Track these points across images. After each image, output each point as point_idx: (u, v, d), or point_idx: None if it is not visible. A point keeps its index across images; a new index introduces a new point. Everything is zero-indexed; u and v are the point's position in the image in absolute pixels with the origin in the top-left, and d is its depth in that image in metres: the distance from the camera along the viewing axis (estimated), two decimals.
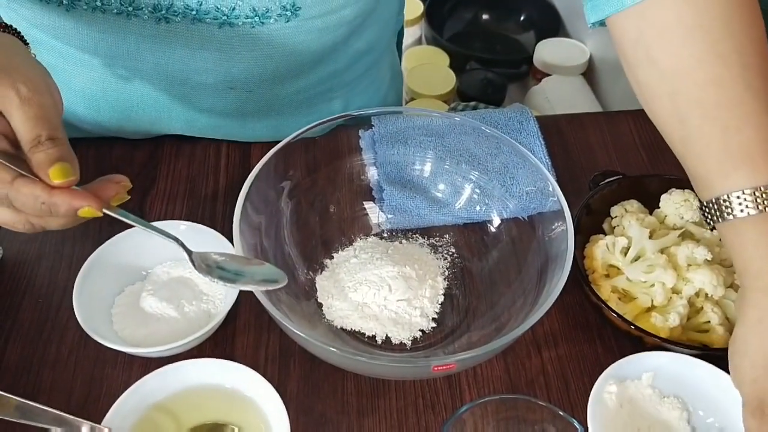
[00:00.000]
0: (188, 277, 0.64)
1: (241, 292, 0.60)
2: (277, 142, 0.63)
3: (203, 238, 0.62)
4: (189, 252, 0.52)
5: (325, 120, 0.65)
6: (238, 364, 0.53)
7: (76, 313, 0.58)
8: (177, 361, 0.54)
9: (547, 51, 1.70)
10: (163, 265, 0.65)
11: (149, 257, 0.65)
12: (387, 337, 0.62)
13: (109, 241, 0.63)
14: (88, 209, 0.46)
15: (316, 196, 0.68)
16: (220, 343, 0.62)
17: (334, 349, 0.51)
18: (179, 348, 0.58)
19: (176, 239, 0.52)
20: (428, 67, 1.71)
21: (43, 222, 0.47)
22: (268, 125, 0.78)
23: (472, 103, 1.64)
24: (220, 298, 0.62)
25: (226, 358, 0.55)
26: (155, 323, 0.60)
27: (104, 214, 0.47)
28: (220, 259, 0.53)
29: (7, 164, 0.45)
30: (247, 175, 0.60)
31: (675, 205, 0.65)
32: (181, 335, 0.58)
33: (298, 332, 0.51)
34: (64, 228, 0.48)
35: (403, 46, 1.81)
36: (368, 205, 0.71)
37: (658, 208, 0.67)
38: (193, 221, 0.71)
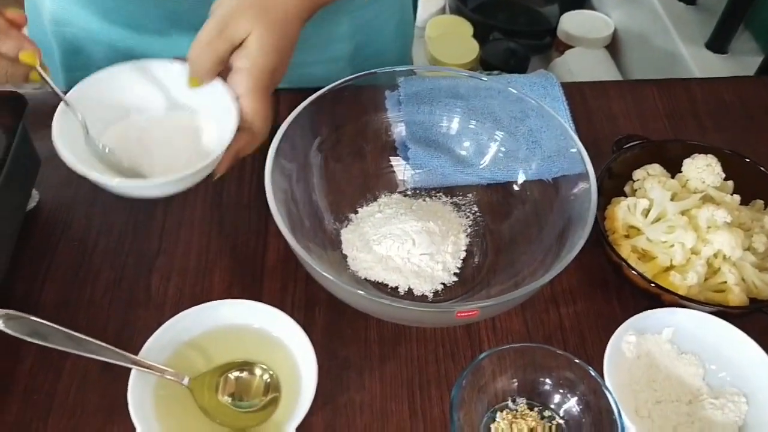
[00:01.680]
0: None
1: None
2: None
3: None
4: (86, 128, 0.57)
5: (351, 77, 0.66)
6: (267, 306, 0.55)
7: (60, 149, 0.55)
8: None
9: (571, 23, 1.69)
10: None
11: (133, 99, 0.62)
12: (409, 289, 0.64)
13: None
14: (29, 54, 0.53)
15: (343, 151, 0.70)
16: (248, 288, 0.64)
17: (361, 292, 0.53)
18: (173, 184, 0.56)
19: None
20: (451, 36, 1.71)
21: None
22: None
23: (496, 72, 1.64)
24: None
25: None
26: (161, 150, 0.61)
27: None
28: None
29: None
30: (276, 128, 0.62)
31: (697, 169, 0.66)
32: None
33: (326, 275, 0.53)
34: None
35: (426, 15, 1.81)
36: (394, 161, 0.72)
37: (680, 172, 0.68)
38: (221, 177, 0.73)
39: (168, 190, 0.57)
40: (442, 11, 1.86)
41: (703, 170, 0.66)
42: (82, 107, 0.57)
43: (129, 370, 0.52)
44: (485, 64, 1.69)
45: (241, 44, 0.56)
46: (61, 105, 0.57)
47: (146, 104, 0.62)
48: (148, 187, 0.58)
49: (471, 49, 1.68)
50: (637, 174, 0.68)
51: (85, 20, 0.77)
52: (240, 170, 0.73)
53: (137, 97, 0.61)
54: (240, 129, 0.57)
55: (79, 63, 0.81)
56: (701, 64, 1.39)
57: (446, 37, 1.70)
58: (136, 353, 0.53)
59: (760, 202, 0.68)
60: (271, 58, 0.56)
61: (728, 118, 0.83)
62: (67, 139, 0.55)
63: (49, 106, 0.81)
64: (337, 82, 0.65)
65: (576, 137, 0.64)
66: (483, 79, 0.71)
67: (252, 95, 0.56)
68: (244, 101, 0.56)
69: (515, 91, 0.68)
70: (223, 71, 0.58)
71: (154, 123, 0.61)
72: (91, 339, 0.52)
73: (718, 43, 1.42)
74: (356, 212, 0.69)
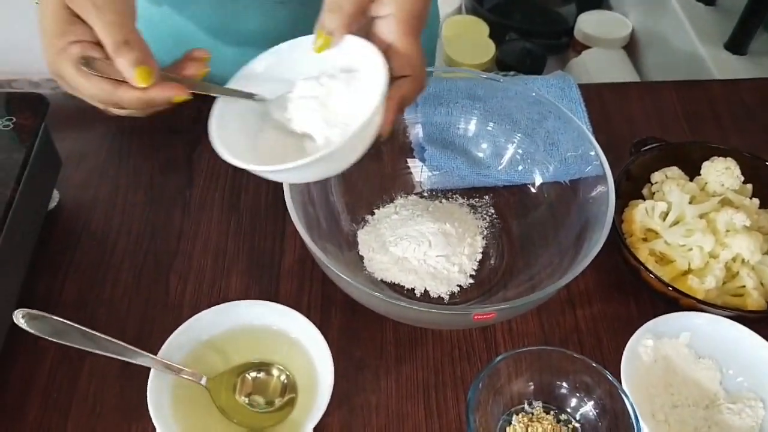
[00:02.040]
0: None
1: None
2: None
3: None
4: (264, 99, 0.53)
5: None
6: (285, 307, 0.56)
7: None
8: None
9: (589, 23, 1.68)
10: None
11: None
12: (425, 291, 0.64)
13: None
14: (178, 97, 0.50)
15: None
16: (265, 289, 0.65)
17: (379, 294, 0.53)
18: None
19: (257, 98, 0.53)
20: (467, 37, 1.71)
21: (150, 110, 0.52)
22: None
23: (512, 73, 1.64)
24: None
25: None
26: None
27: (193, 93, 0.50)
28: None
29: (108, 76, 0.49)
30: None
31: (716, 172, 0.66)
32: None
33: (343, 276, 0.53)
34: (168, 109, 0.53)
35: (442, 14, 1.81)
36: (411, 163, 0.72)
37: (699, 175, 0.68)
38: (239, 174, 0.74)
39: (337, 164, 0.51)
40: (458, 11, 1.86)
41: (722, 173, 0.65)
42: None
43: (147, 369, 0.52)
44: (501, 64, 1.69)
45: None
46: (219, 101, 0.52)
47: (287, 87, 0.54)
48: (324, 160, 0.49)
49: (487, 49, 1.67)
50: (656, 177, 0.68)
51: None
52: (257, 177, 0.74)
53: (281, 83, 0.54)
54: (397, 78, 0.51)
55: None
56: (720, 65, 1.38)
57: (462, 38, 1.69)
58: (155, 353, 0.53)
59: None
60: (416, 1, 0.52)
61: (748, 120, 0.83)
62: (226, 134, 0.51)
63: (70, 106, 0.82)
64: None
65: (594, 139, 0.63)
66: (500, 80, 0.71)
67: (406, 39, 0.52)
68: (399, 46, 0.52)
69: (533, 93, 0.67)
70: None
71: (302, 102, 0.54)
72: (110, 338, 0.52)
73: (737, 44, 1.41)
74: (373, 213, 0.70)
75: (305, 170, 0.50)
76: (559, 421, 0.55)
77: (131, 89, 0.49)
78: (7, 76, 2.06)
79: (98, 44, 0.49)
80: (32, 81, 2.07)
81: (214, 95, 0.52)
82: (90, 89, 0.49)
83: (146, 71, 0.48)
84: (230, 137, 0.51)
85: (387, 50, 0.52)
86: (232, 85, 0.54)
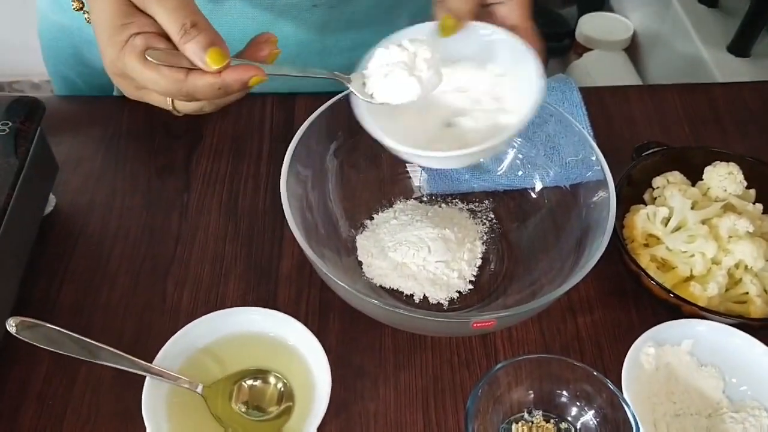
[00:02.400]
0: None
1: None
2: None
3: None
4: (349, 80, 0.52)
5: None
6: (282, 314, 0.55)
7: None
8: None
9: (590, 25, 1.67)
10: None
11: None
12: (425, 297, 0.63)
13: None
14: (255, 78, 0.48)
15: (359, 157, 0.69)
16: (263, 295, 0.64)
17: (376, 302, 0.53)
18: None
19: (335, 76, 0.52)
20: None
21: (221, 101, 0.50)
22: (345, 59, 0.79)
23: None
24: None
25: None
26: None
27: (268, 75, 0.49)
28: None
29: (176, 65, 0.46)
30: (291, 134, 0.61)
31: (719, 177, 0.65)
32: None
33: (341, 283, 0.53)
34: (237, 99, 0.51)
35: None
36: (410, 167, 0.72)
37: (701, 180, 0.67)
38: (237, 179, 0.73)
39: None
40: None
41: (724, 178, 0.65)
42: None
43: (143, 376, 0.52)
44: None
45: None
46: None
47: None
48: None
49: None
50: (657, 182, 0.67)
51: None
52: (255, 176, 0.73)
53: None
54: None
55: None
56: (723, 67, 1.37)
57: None
58: (151, 359, 0.53)
59: None
60: None
61: (752, 123, 0.82)
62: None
63: (67, 110, 0.82)
64: (347, 90, 0.65)
65: (594, 144, 0.63)
66: None
67: (528, 23, 0.52)
68: (523, 29, 0.52)
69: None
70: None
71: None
72: (104, 346, 0.52)
73: (740, 47, 1.40)
74: (372, 218, 0.69)
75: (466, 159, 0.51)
76: (559, 430, 0.54)
77: (204, 75, 0.46)
78: (8, 77, 2.06)
79: (161, 35, 0.47)
80: (33, 83, 2.07)
81: (291, 75, 0.50)
82: (159, 81, 0.46)
83: (219, 52, 0.46)
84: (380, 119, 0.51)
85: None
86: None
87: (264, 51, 0.49)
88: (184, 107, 0.50)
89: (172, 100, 0.49)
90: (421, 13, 0.83)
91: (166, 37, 0.47)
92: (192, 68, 0.46)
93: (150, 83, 0.47)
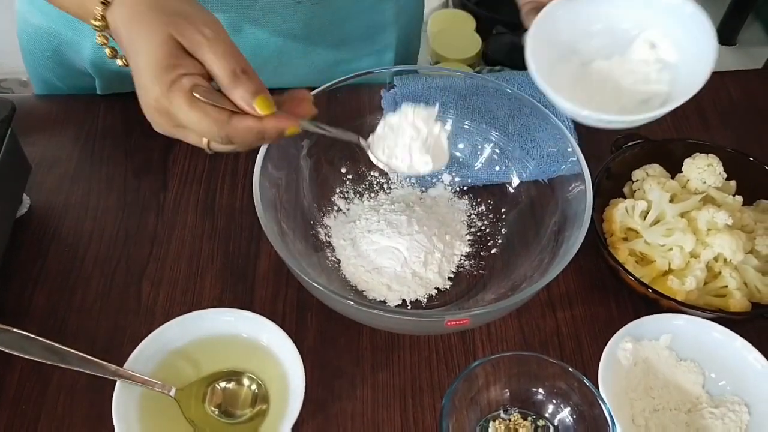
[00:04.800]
0: None
1: None
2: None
3: None
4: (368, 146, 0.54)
5: (344, 78, 0.65)
6: (255, 314, 0.54)
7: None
8: None
9: None
10: None
11: None
12: (403, 294, 0.63)
13: None
14: (292, 129, 0.49)
15: (336, 154, 0.69)
16: (239, 295, 0.63)
17: (351, 302, 0.52)
18: None
19: (358, 138, 0.54)
20: (454, 31, 1.69)
21: (255, 145, 0.51)
22: (330, 56, 0.79)
23: (498, 68, 1.62)
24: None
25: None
26: None
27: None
28: None
29: (221, 106, 0.47)
30: None
31: (698, 169, 0.64)
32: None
33: (315, 284, 0.52)
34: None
35: (428, 9, 1.79)
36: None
37: (681, 172, 0.66)
38: (215, 177, 0.72)
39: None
40: (445, 5, 1.84)
41: (703, 170, 0.64)
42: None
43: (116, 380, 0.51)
44: (488, 59, 1.67)
45: None
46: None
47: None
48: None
49: (473, 43, 1.66)
50: (636, 174, 0.67)
51: None
52: (233, 174, 0.73)
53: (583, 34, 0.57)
54: None
55: None
56: None
57: (448, 32, 1.68)
58: (125, 361, 0.52)
59: (764, 203, 0.66)
60: None
61: (734, 114, 0.81)
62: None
63: (41, 110, 0.80)
64: (330, 83, 0.64)
65: (571, 136, 0.62)
66: (478, 77, 0.70)
67: None
68: None
69: (510, 90, 0.66)
70: None
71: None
72: (74, 351, 0.51)
73: (726, 35, 1.39)
74: (348, 215, 0.68)
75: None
76: (536, 427, 0.54)
77: (245, 119, 0.48)
78: None
79: (207, 79, 0.48)
80: (21, 80, 2.05)
81: (321, 132, 0.52)
82: (202, 122, 0.47)
83: (266, 100, 0.47)
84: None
85: None
86: None
87: (303, 108, 0.51)
88: (218, 147, 0.50)
89: (209, 141, 0.50)
90: (406, 8, 0.82)
91: (210, 82, 0.48)
92: (235, 111, 0.47)
93: (193, 123, 0.47)
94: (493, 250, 0.66)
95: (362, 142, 0.54)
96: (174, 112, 0.47)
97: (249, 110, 0.47)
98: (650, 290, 0.57)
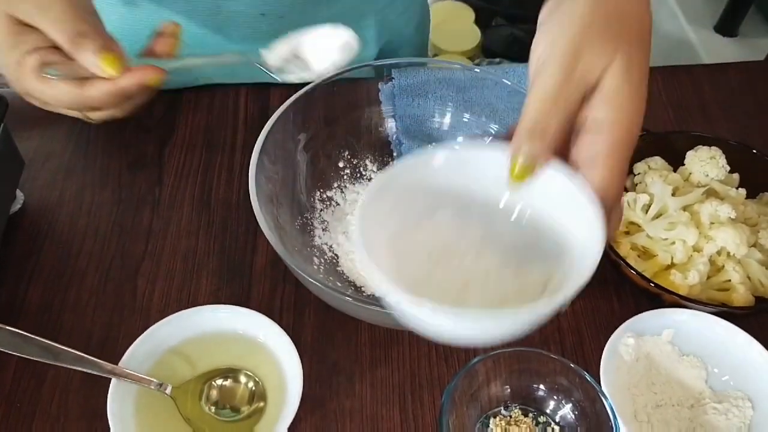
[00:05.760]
0: None
1: None
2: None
3: None
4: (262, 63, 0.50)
5: (343, 70, 0.64)
6: (251, 311, 0.54)
7: None
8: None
9: None
10: None
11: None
12: None
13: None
14: (153, 78, 0.45)
15: (334, 149, 0.68)
16: (236, 291, 0.63)
17: (349, 298, 0.51)
18: None
19: (244, 56, 0.49)
20: (453, 23, 1.68)
21: (128, 105, 0.48)
22: None
23: (497, 60, 1.61)
24: None
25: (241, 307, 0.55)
26: None
27: (169, 71, 0.46)
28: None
29: (75, 76, 0.45)
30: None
31: (701, 162, 0.63)
32: None
33: (312, 280, 0.51)
34: (146, 101, 0.48)
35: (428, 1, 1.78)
36: (387, 158, 0.70)
37: (683, 165, 0.65)
38: (211, 171, 0.71)
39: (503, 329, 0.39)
40: None
41: (706, 163, 0.63)
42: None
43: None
44: (487, 51, 1.66)
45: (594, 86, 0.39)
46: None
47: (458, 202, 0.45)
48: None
49: (472, 36, 1.65)
50: (638, 167, 0.66)
51: None
52: (229, 168, 0.72)
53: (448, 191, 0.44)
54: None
55: None
56: (710, 48, 1.36)
57: (447, 24, 1.66)
58: (120, 358, 0.52)
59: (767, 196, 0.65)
60: (637, 101, 0.39)
61: (737, 106, 0.80)
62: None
63: (30, 106, 0.79)
64: (322, 78, 0.63)
65: None
66: (476, 70, 0.69)
67: (616, 156, 0.39)
68: (603, 164, 0.39)
69: (510, 84, 0.65)
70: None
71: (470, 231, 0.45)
72: (68, 349, 0.50)
73: (727, 26, 1.38)
74: (346, 209, 0.67)
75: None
76: (537, 423, 0.53)
77: (99, 83, 0.44)
78: None
79: (56, 47, 0.45)
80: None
81: (193, 66, 0.47)
82: (56, 96, 0.44)
83: (111, 57, 0.44)
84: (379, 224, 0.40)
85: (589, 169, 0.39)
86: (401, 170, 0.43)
87: (160, 45, 0.47)
88: (96, 116, 0.48)
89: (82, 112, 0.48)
90: (377, 26, 0.80)
91: (60, 50, 0.45)
92: (89, 78, 0.45)
93: (51, 100, 0.45)
94: None
95: (246, 55, 0.49)
96: (31, 93, 0.45)
97: (99, 73, 0.44)
98: (652, 285, 0.56)
